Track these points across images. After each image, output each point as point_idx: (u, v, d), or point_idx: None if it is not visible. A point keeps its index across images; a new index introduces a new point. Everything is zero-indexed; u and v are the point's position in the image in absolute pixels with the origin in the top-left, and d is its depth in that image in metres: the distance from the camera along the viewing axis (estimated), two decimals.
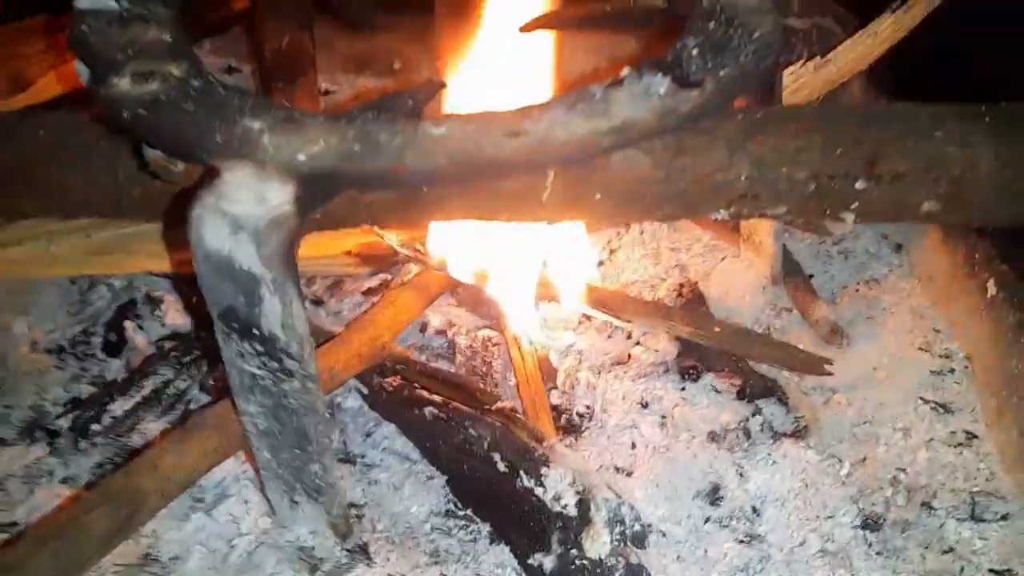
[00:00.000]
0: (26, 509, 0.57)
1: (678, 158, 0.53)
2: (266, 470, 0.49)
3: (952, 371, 0.65)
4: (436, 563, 0.54)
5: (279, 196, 0.37)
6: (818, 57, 0.84)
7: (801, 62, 0.84)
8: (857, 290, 0.75)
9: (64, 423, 0.64)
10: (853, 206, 0.57)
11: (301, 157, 0.37)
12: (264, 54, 0.79)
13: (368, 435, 0.66)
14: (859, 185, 0.55)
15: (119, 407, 0.65)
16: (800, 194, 0.56)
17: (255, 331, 0.40)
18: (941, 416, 0.62)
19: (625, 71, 0.43)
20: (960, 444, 0.60)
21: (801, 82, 0.84)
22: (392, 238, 0.71)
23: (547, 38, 0.62)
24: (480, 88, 0.58)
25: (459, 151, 0.38)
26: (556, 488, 0.53)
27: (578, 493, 0.53)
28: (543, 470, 0.54)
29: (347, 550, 0.52)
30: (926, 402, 0.63)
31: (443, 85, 0.52)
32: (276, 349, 0.41)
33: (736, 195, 0.56)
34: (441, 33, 0.77)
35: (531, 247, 0.70)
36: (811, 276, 0.78)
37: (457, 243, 0.69)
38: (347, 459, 0.64)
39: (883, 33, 0.83)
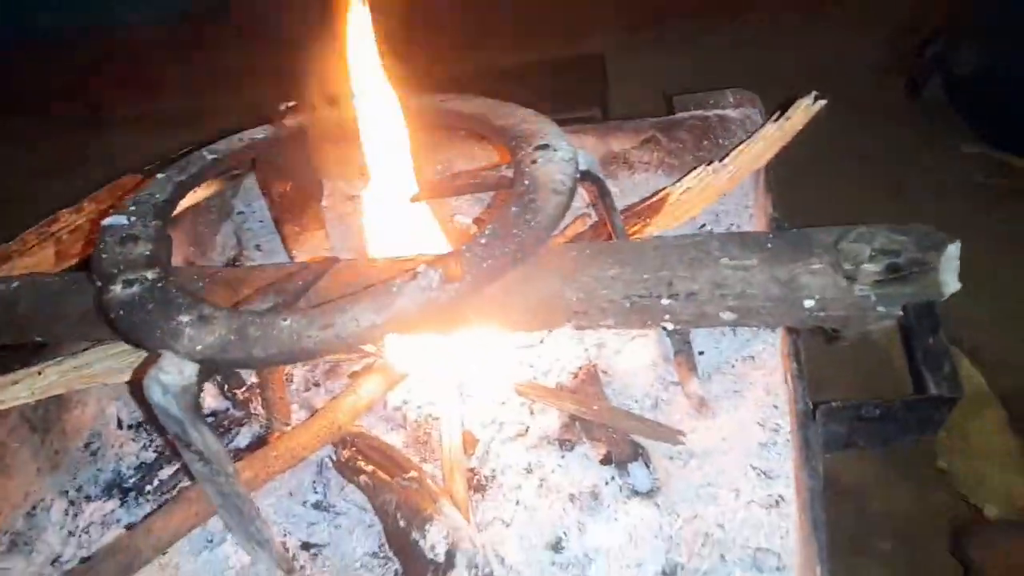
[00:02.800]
0: (101, 547, 0.85)
1: (527, 285, 0.72)
2: (228, 528, 0.73)
3: (776, 443, 0.78)
4: None
5: (189, 371, 0.61)
6: (716, 162, 0.98)
7: (702, 167, 0.99)
8: (733, 366, 0.89)
9: (131, 482, 0.92)
10: (666, 316, 0.73)
11: (199, 347, 0.61)
12: (272, 197, 1.05)
13: (342, 489, 0.89)
14: (664, 302, 0.71)
15: (166, 472, 0.93)
16: (620, 309, 0.72)
17: (191, 446, 0.64)
18: (763, 481, 0.76)
19: (421, 267, 0.63)
20: (771, 506, 0.74)
21: (706, 182, 0.99)
22: None
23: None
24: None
25: (287, 342, 0.59)
26: (433, 540, 0.74)
27: (447, 544, 0.73)
28: (427, 526, 0.75)
29: None
30: (754, 468, 0.77)
31: (336, 260, 0.73)
32: (204, 457, 0.64)
33: (572, 312, 0.73)
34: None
35: (459, 346, 0.90)
36: (702, 353, 0.93)
37: (405, 344, 0.91)
38: (324, 508, 0.88)
39: (771, 138, 0.96)
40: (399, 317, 0.60)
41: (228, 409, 0.99)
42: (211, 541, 0.82)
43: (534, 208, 0.69)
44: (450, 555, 0.72)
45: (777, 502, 0.74)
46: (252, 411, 0.96)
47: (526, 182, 0.72)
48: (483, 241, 0.65)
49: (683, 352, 0.90)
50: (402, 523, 0.76)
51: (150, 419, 0.98)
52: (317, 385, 1.00)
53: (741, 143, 0.98)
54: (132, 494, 0.90)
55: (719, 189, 0.99)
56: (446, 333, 0.76)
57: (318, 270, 0.70)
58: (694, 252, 0.72)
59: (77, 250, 1.06)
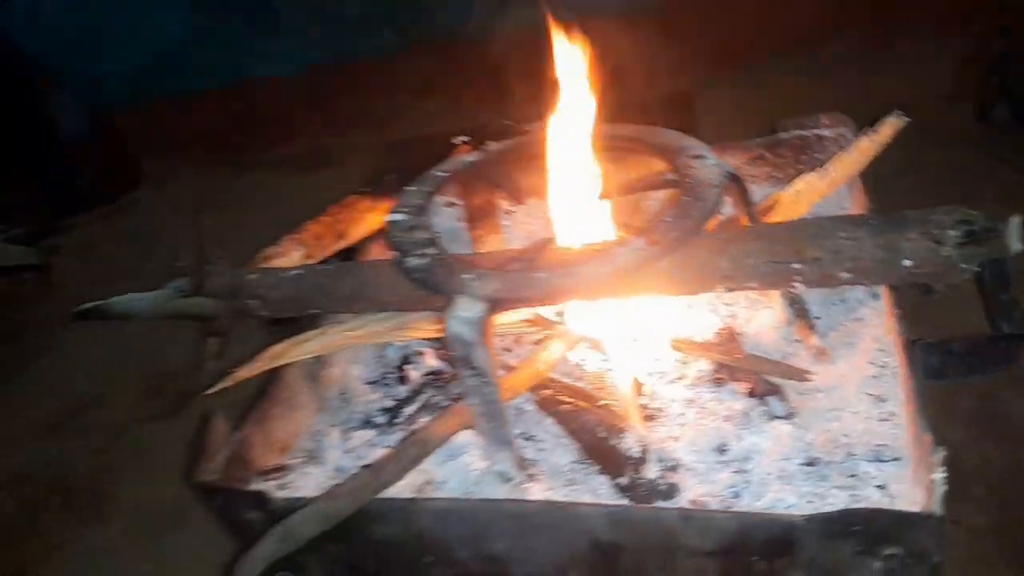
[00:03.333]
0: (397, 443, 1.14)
1: (686, 260, 0.99)
2: (481, 434, 1.02)
3: (885, 375, 1.03)
4: (568, 484, 1.03)
5: (479, 309, 0.90)
6: (820, 168, 1.24)
7: (808, 172, 1.25)
8: (845, 327, 1.14)
9: (381, 420, 1.22)
10: (797, 278, 0.99)
11: (486, 292, 0.90)
12: (469, 208, 1.36)
13: (539, 423, 1.17)
14: (795, 266, 0.97)
15: (407, 411, 1.23)
16: (760, 273, 0.99)
17: (472, 364, 0.93)
18: (876, 403, 1.01)
19: (632, 238, 0.91)
20: (885, 420, 0.99)
21: (812, 186, 1.25)
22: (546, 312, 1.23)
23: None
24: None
25: (544, 286, 0.88)
26: (629, 444, 1.01)
27: (640, 446, 1.00)
28: (623, 435, 1.02)
29: (525, 476, 1.03)
30: (869, 395, 1.02)
31: (551, 241, 1.02)
32: (480, 371, 0.93)
33: (723, 276, 1.00)
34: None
35: (628, 311, 1.18)
36: (818, 318, 1.18)
37: (582, 311, 1.19)
38: (527, 437, 1.16)
39: (864, 149, 1.22)
40: (618, 269, 0.89)
41: (442, 371, 1.28)
42: (452, 455, 1.11)
43: (700, 197, 0.97)
44: (644, 452, 1.00)
45: (889, 417, 0.99)
46: None
47: (689, 181, 1.00)
48: (668, 219, 0.93)
49: (802, 316, 1.16)
50: (601, 435, 1.04)
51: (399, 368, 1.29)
52: (508, 350, 1.30)
53: (837, 155, 1.25)
54: (384, 427, 1.20)
55: (822, 191, 1.25)
56: (635, 296, 1.03)
57: (541, 247, 0.99)
58: (816, 229, 0.98)
59: (319, 251, 1.38)
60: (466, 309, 0.90)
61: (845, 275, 0.96)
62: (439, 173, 1.19)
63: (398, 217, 1.06)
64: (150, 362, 2.43)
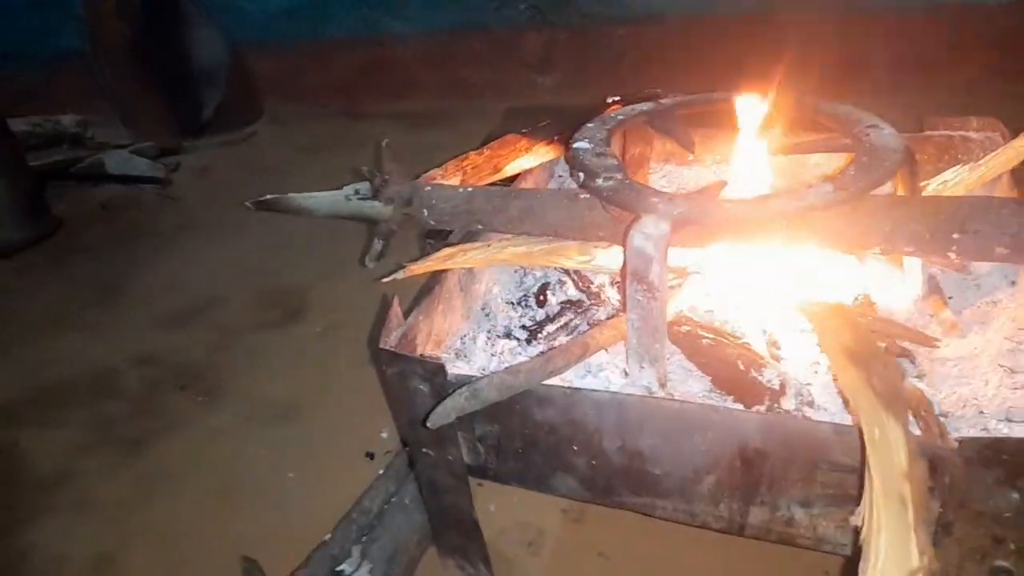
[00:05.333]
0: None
1: (855, 214, 1.07)
2: (631, 349, 1.11)
3: (1021, 350, 1.09)
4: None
5: (664, 226, 0.99)
6: (972, 163, 1.30)
7: (959, 165, 1.31)
8: (979, 307, 1.20)
9: (521, 335, 1.33)
10: (953, 248, 1.05)
11: (675, 212, 0.99)
12: (626, 155, 1.46)
13: (668, 358, 1.26)
14: (955, 235, 1.04)
15: (545, 331, 1.33)
16: (920, 239, 1.06)
17: (645, 278, 1.02)
18: (1009, 375, 1.07)
19: (815, 182, 0.99)
20: (1018, 389, 1.05)
21: (961, 178, 1.31)
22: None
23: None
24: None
25: (734, 212, 0.97)
26: (769, 376, 1.09)
27: (779, 379, 1.08)
28: (762, 369, 1.10)
29: (667, 393, 1.12)
30: (1002, 367, 1.08)
31: (725, 183, 1.11)
32: (651, 286, 1.02)
33: (883, 237, 1.08)
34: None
35: (765, 272, 1.26)
36: (951, 297, 1.24)
37: (724, 264, 1.27)
38: None
39: (1020, 149, 1.27)
40: (806, 207, 0.97)
41: (581, 300, 1.38)
42: (589, 372, 1.21)
43: (879, 158, 1.04)
44: (783, 385, 1.08)
45: (1022, 387, 1.05)
46: (603, 299, 1.36)
47: (867, 145, 1.08)
48: (852, 172, 1.01)
49: (936, 291, 1.23)
50: (741, 367, 1.12)
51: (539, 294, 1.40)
52: None
53: (992, 153, 1.30)
54: (524, 342, 1.30)
55: (969, 186, 1.31)
56: (802, 244, 1.11)
57: (720, 186, 1.08)
58: (982, 204, 1.05)
59: (475, 179, 1.49)
60: (651, 226, 1.00)
61: (1001, 250, 1.03)
62: (618, 116, 1.29)
63: (584, 145, 1.16)
64: (259, 276, 2.59)
